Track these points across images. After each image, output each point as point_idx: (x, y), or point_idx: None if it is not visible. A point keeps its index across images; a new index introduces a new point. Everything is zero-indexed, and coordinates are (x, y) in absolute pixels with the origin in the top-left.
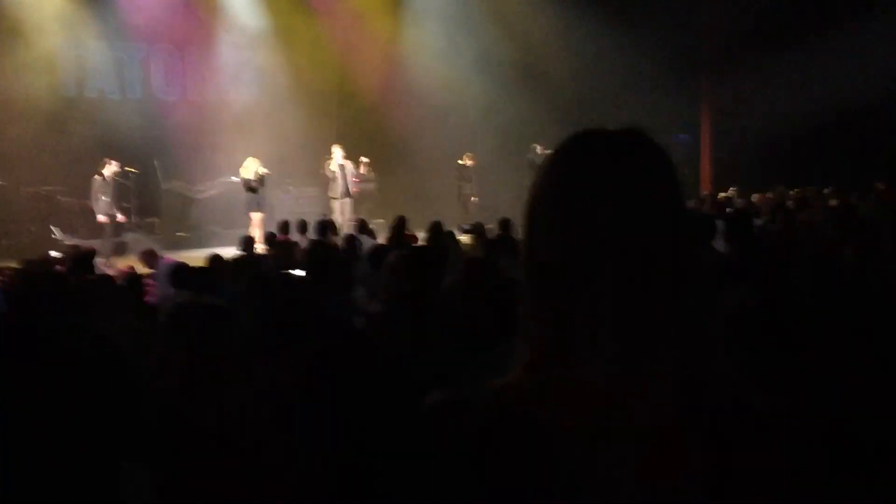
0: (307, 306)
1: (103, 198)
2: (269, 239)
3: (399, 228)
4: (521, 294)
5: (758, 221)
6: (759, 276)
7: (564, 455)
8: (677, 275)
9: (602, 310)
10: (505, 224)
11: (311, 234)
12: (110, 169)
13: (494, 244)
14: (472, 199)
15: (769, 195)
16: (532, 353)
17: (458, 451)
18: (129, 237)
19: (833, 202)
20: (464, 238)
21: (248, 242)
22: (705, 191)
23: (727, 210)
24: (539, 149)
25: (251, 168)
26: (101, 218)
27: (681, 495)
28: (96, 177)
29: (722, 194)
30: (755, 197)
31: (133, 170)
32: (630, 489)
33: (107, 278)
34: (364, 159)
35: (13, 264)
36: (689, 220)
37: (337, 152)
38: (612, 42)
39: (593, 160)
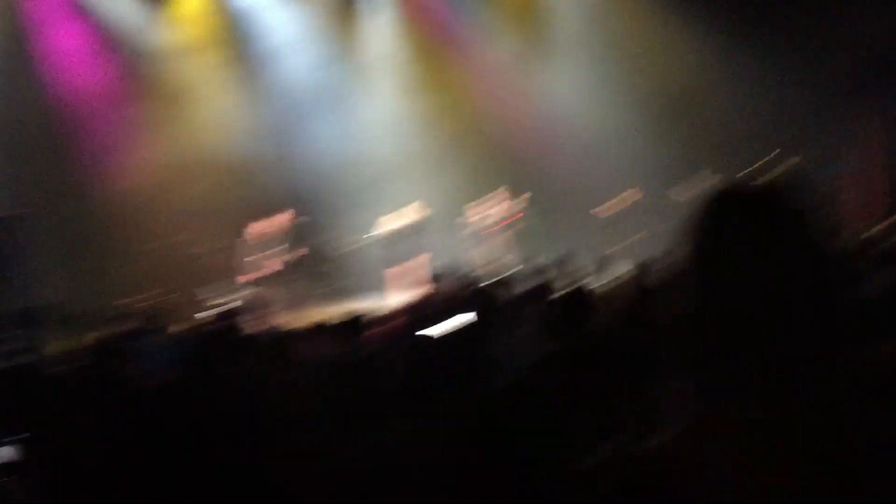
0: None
1: (257, 253)
2: (430, 282)
3: (551, 272)
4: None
5: None
6: None
7: None
8: (821, 325)
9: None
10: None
11: (468, 277)
12: (261, 227)
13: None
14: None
15: None
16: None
17: None
18: (280, 291)
19: None
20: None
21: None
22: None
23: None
24: (677, 193)
25: (404, 218)
26: (248, 276)
27: None
28: (247, 233)
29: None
30: None
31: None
32: None
33: (259, 334)
34: (522, 197)
35: (171, 323)
36: (830, 266)
37: (487, 201)
38: (766, 72)
39: (735, 219)
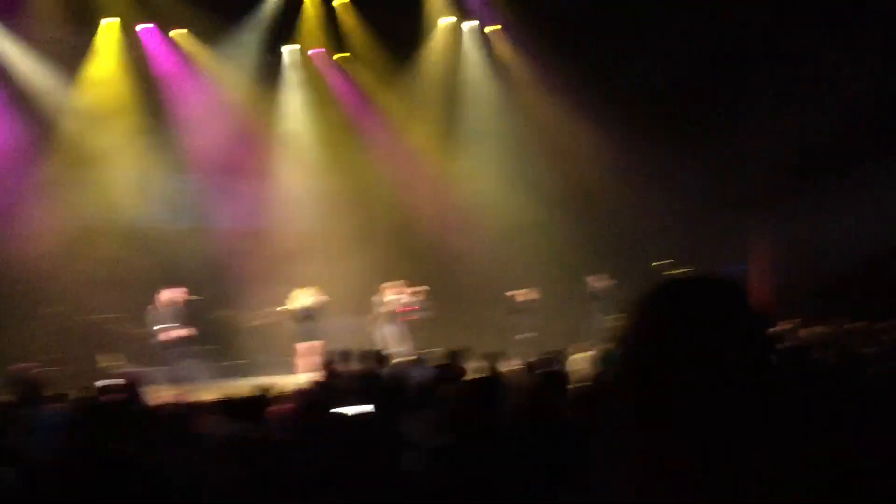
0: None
1: (160, 324)
2: (326, 366)
3: (451, 359)
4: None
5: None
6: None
7: None
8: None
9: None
10: (556, 357)
11: (361, 363)
12: (167, 296)
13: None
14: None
15: (821, 328)
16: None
17: None
18: (184, 366)
19: None
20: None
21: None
22: None
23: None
24: (592, 281)
25: (299, 299)
26: (163, 337)
27: None
28: (151, 307)
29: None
30: (802, 332)
31: (195, 297)
32: None
33: (154, 407)
34: (420, 289)
35: (67, 392)
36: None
37: (387, 288)
38: (664, 167)
39: (688, 307)
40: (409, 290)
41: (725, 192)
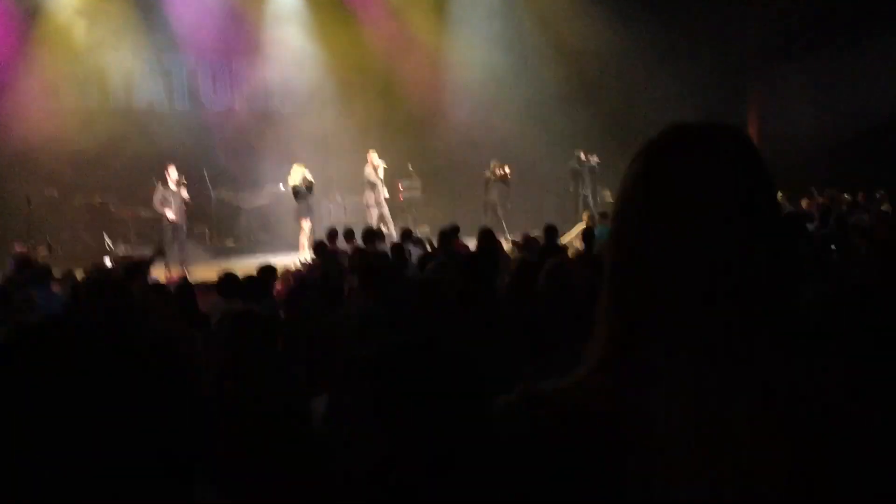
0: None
1: (169, 201)
2: (318, 247)
3: (449, 236)
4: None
5: (809, 226)
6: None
7: (640, 452)
8: (772, 270)
9: (691, 301)
10: (550, 231)
11: (359, 241)
12: (172, 175)
13: (543, 251)
14: (498, 208)
15: (819, 199)
16: (606, 347)
17: (533, 448)
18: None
19: (885, 206)
20: (507, 247)
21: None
22: None
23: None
24: (582, 156)
25: (298, 175)
26: (170, 216)
27: (761, 497)
28: (160, 183)
29: None
30: (804, 202)
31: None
32: (708, 488)
33: (161, 286)
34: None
35: (69, 271)
36: (782, 215)
37: (373, 157)
38: (658, 47)
39: (692, 151)
40: (403, 169)
41: (719, 69)
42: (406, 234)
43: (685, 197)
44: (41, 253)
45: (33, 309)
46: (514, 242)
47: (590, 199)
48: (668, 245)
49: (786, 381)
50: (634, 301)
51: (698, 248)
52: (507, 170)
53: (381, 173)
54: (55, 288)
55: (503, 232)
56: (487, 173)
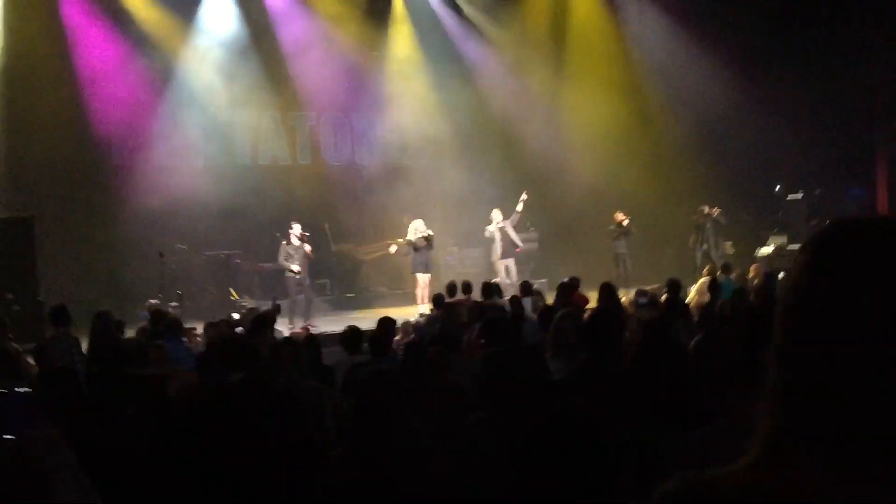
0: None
1: (293, 255)
2: (437, 300)
3: (569, 289)
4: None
5: None
6: None
7: None
8: None
9: (861, 403)
10: (674, 287)
11: (477, 295)
12: (295, 231)
13: (667, 307)
14: (628, 259)
15: None
16: (768, 441)
17: None
18: (310, 299)
19: None
20: (623, 299)
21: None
22: None
23: None
24: (706, 209)
25: (417, 230)
26: (294, 269)
27: None
28: (284, 240)
29: None
30: None
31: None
32: None
33: (287, 340)
34: (524, 198)
35: (198, 325)
36: None
37: (496, 215)
38: (782, 101)
39: (865, 250)
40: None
41: (844, 118)
42: (526, 289)
43: (859, 294)
44: (173, 306)
45: (167, 361)
46: (638, 297)
47: (711, 253)
48: (838, 345)
49: None
50: (798, 398)
51: (872, 350)
52: (625, 220)
53: (503, 230)
54: (187, 340)
55: (626, 285)
56: (612, 226)
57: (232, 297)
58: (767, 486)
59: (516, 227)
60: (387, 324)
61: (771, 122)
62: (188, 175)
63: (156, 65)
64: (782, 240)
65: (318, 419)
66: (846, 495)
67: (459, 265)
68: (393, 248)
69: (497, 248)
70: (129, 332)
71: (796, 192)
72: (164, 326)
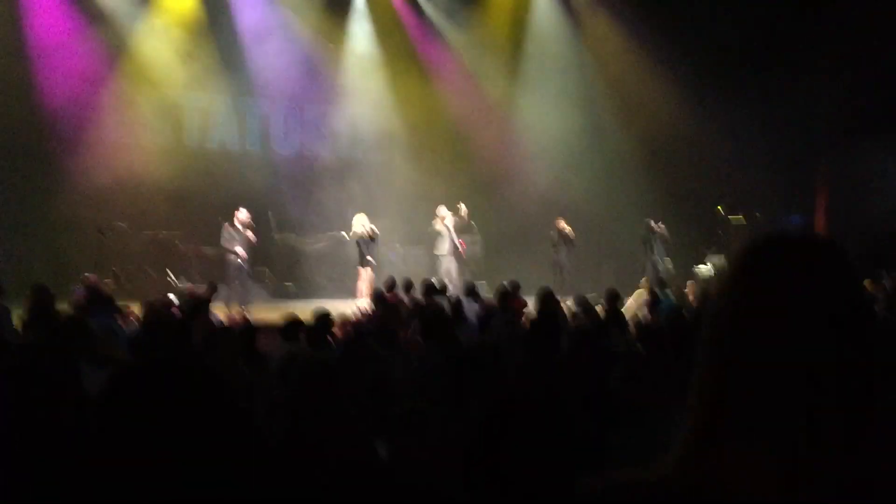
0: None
1: (235, 240)
2: (377, 297)
3: (509, 293)
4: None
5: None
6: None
7: None
8: (861, 380)
9: (781, 404)
10: (612, 296)
11: (417, 293)
12: (241, 216)
13: (605, 316)
14: (566, 268)
15: (886, 283)
16: (691, 441)
17: None
18: (249, 285)
19: None
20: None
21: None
22: None
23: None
24: (652, 223)
25: (362, 223)
26: (241, 252)
27: None
28: (227, 224)
29: None
30: (869, 283)
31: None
32: None
33: (221, 324)
34: (462, 206)
35: (133, 305)
36: (874, 322)
37: (443, 211)
38: (733, 121)
39: (790, 263)
40: (460, 216)
41: (789, 145)
42: (469, 290)
43: (781, 305)
44: (108, 283)
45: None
46: (577, 306)
47: (659, 266)
48: (761, 350)
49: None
50: (722, 398)
51: (792, 354)
52: (566, 229)
53: (450, 229)
54: (119, 320)
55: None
56: (553, 232)
57: (169, 279)
58: (692, 484)
59: (458, 231)
60: (323, 317)
61: (719, 143)
62: (135, 153)
63: (109, 39)
64: (721, 260)
65: (247, 405)
66: (768, 491)
67: (402, 262)
68: (346, 234)
69: (444, 245)
70: (62, 306)
71: (738, 214)
72: (96, 302)
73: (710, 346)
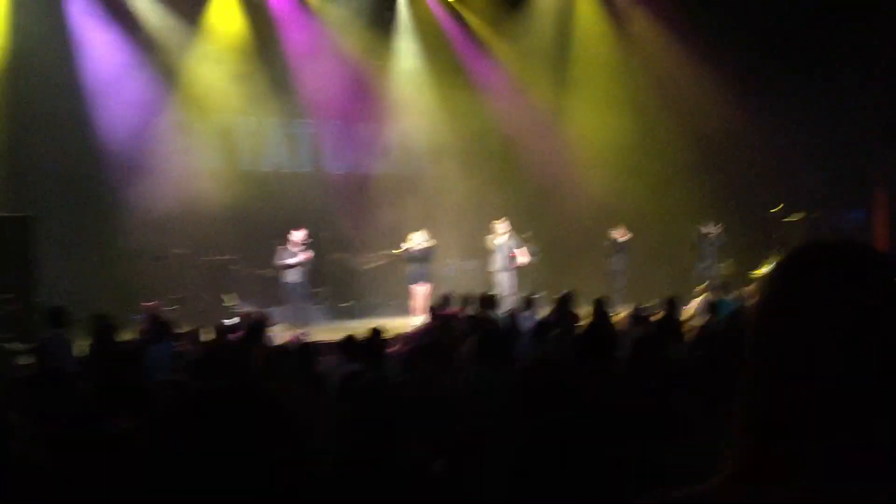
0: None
1: (290, 262)
2: (433, 313)
3: (564, 304)
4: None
5: None
6: None
7: None
8: None
9: (830, 416)
10: (671, 304)
11: (474, 308)
12: (296, 237)
13: (660, 325)
14: (621, 276)
15: None
16: (742, 456)
17: None
18: (304, 306)
19: None
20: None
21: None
22: None
23: None
24: (702, 229)
25: (416, 241)
26: (292, 277)
27: None
28: (281, 246)
29: None
30: None
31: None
32: None
33: (279, 347)
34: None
35: (191, 329)
36: None
37: (500, 227)
38: (785, 118)
39: (832, 269)
40: (511, 231)
41: (841, 141)
42: (525, 303)
43: (825, 313)
44: (168, 310)
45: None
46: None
47: (710, 272)
48: (806, 362)
49: None
50: (772, 412)
51: (837, 366)
52: (619, 236)
53: (505, 243)
54: (180, 345)
55: (621, 301)
56: (606, 242)
57: (226, 303)
58: (747, 500)
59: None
60: (379, 333)
61: (771, 142)
62: (191, 180)
63: (162, 68)
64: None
65: (305, 428)
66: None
67: (458, 277)
68: (398, 249)
69: (499, 260)
70: (124, 335)
71: (796, 213)
72: (157, 330)
73: (755, 358)
